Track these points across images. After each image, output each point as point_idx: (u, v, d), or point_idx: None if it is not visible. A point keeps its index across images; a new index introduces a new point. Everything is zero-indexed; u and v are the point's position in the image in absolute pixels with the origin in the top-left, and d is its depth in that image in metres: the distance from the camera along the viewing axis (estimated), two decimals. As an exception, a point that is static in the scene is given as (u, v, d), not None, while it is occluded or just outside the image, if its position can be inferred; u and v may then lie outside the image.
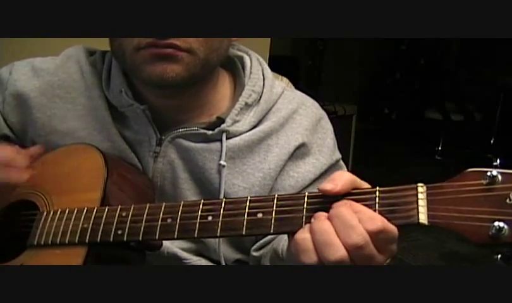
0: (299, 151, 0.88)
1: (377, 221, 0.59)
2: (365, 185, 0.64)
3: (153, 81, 0.78)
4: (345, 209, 0.60)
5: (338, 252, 0.58)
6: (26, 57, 0.98)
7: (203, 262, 0.91)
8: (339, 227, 0.59)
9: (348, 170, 0.93)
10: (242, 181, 0.87)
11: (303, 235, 0.61)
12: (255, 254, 0.90)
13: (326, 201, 0.63)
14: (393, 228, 0.59)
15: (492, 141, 4.97)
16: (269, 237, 0.88)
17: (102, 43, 0.90)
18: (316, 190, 0.64)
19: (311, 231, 0.61)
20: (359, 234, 0.58)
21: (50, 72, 0.93)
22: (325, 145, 0.91)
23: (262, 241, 0.89)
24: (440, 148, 5.15)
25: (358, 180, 0.64)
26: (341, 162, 0.94)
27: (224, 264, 0.90)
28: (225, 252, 0.91)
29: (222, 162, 0.85)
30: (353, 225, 0.59)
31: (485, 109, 5.21)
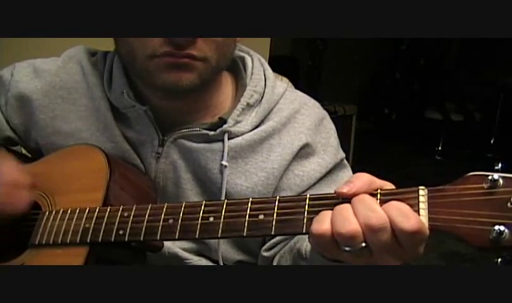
0: (304, 151, 0.88)
1: (412, 221, 0.56)
2: (388, 185, 0.62)
3: (167, 88, 0.79)
4: (368, 196, 0.59)
5: (351, 225, 0.56)
6: (26, 57, 0.98)
7: (204, 262, 0.91)
8: (358, 209, 0.58)
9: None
10: (245, 181, 0.87)
11: (325, 211, 0.60)
12: (265, 254, 0.89)
13: (328, 203, 0.62)
14: (426, 230, 0.57)
15: (492, 141, 4.98)
16: (280, 237, 0.87)
17: (102, 44, 0.91)
18: (319, 192, 0.64)
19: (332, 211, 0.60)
20: (379, 217, 0.56)
21: (52, 73, 0.93)
22: (330, 144, 0.91)
23: (272, 241, 0.89)
24: (440, 148, 5.16)
25: (377, 180, 0.62)
26: (345, 161, 0.94)
27: (222, 264, 0.90)
28: (227, 252, 0.91)
29: (224, 162, 0.85)
30: (375, 209, 0.57)
31: (485, 109, 5.21)
